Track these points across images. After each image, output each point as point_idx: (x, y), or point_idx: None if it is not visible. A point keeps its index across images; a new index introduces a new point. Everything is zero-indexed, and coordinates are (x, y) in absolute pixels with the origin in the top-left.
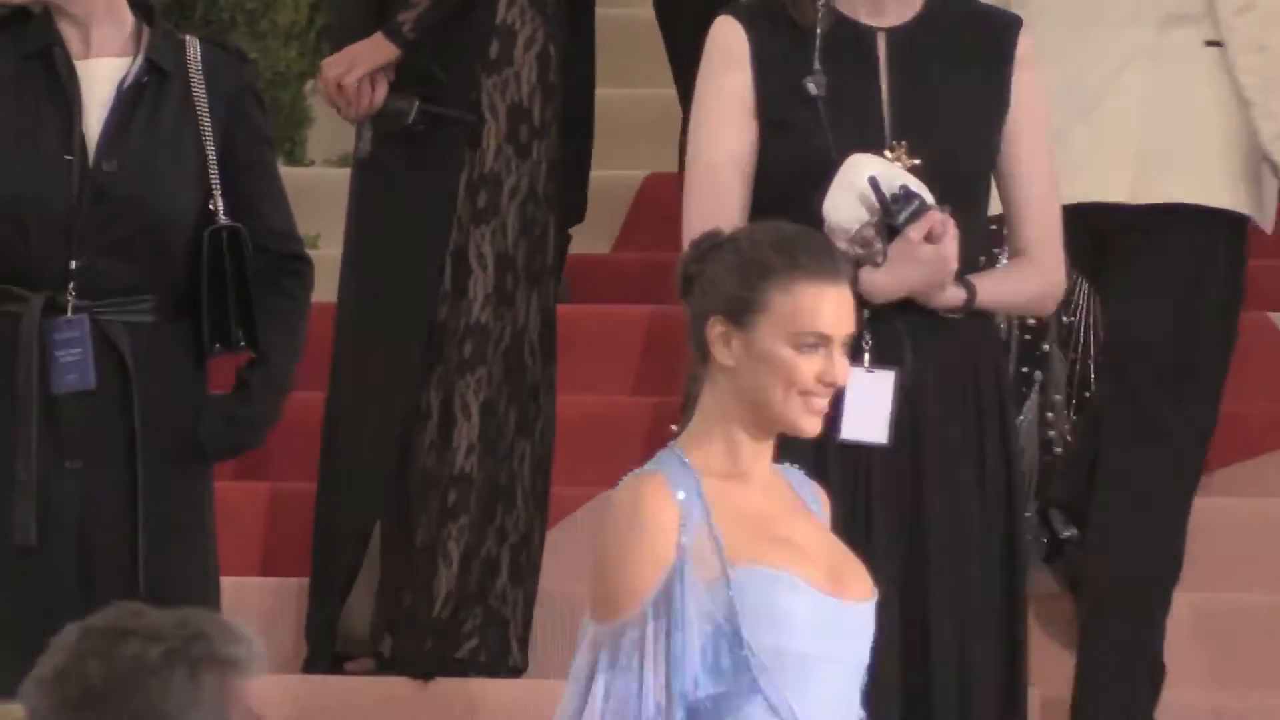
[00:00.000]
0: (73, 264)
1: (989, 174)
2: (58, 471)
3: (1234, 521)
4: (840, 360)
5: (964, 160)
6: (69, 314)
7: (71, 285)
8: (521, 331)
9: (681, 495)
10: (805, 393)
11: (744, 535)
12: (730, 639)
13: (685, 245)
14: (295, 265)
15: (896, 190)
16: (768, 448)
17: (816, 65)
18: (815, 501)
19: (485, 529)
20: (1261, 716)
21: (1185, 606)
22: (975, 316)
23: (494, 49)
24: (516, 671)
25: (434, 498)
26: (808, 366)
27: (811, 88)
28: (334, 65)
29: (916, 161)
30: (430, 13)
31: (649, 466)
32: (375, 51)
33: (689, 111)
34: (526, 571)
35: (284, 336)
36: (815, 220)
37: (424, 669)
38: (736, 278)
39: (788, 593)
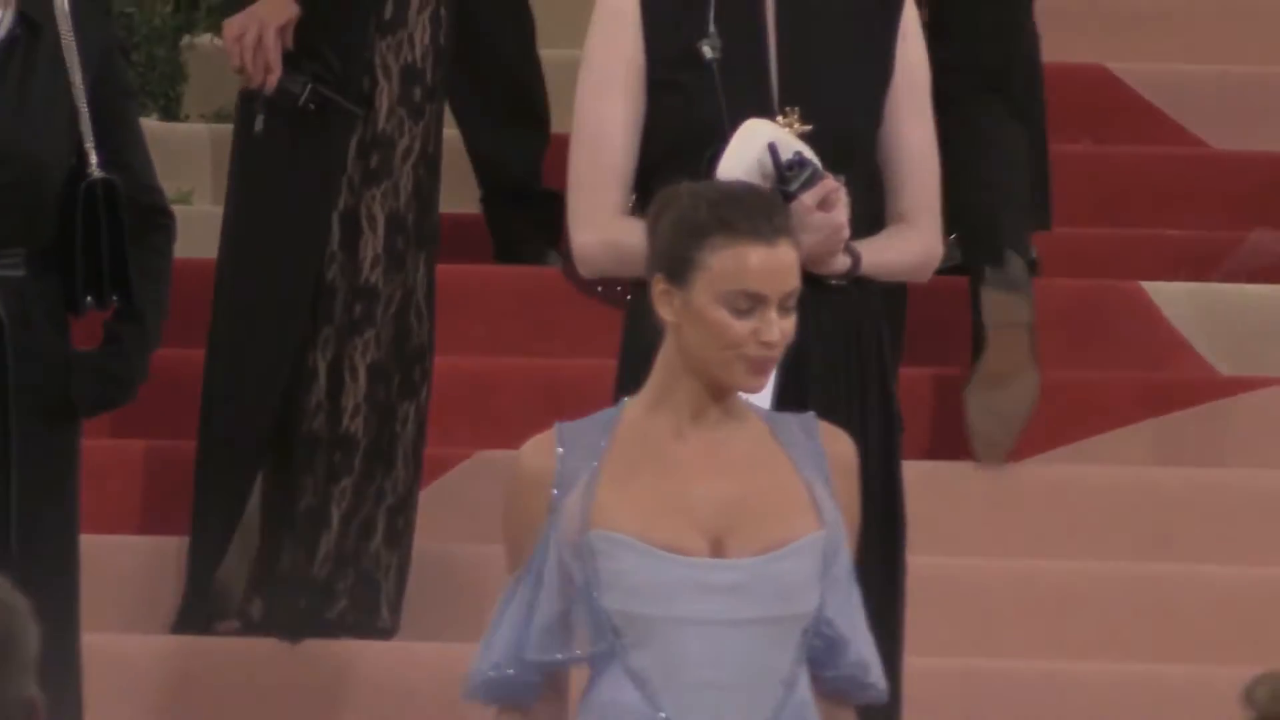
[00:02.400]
0: None
1: (875, 138)
2: None
3: (1105, 489)
4: (777, 319)
5: (853, 125)
6: None
7: None
8: (410, 293)
9: (561, 451)
10: (743, 354)
11: (611, 495)
12: (589, 601)
13: (569, 209)
14: (161, 219)
15: (791, 157)
16: (727, 400)
17: (712, 28)
18: (810, 451)
19: (365, 491)
20: (1136, 686)
21: (1052, 576)
22: (856, 282)
23: (388, 10)
24: (386, 634)
25: (320, 459)
26: (741, 326)
27: (707, 50)
28: (234, 25)
29: (809, 128)
30: None
31: (570, 421)
32: (276, 11)
33: None
34: (402, 534)
35: (154, 292)
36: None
37: (293, 630)
38: (674, 236)
39: (632, 557)
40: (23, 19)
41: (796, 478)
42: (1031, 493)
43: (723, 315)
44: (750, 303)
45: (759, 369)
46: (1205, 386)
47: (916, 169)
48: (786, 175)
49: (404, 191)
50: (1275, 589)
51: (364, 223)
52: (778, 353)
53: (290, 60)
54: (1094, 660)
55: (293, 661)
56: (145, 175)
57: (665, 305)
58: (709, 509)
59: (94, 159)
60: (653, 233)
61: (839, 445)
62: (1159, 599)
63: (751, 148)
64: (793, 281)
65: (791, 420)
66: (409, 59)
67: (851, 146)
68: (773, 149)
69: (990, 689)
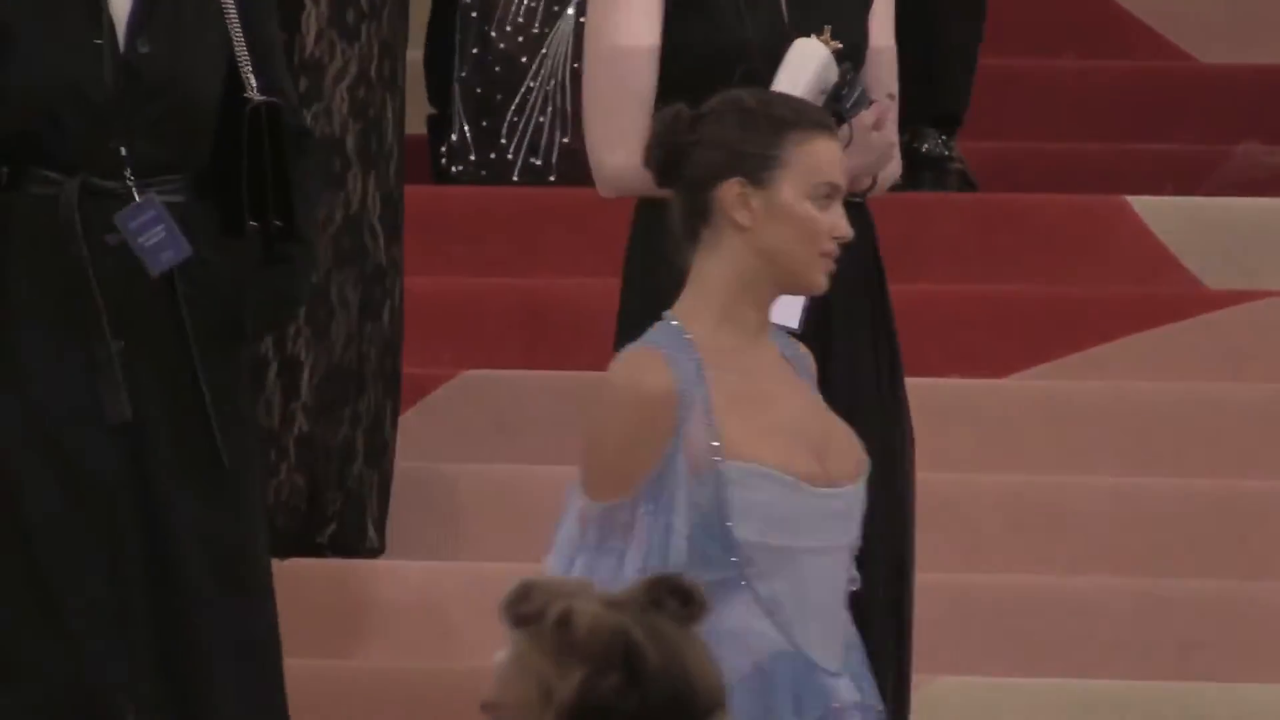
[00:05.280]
0: (122, 150)
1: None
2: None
3: (1093, 404)
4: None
5: (857, 40)
6: (136, 198)
7: (128, 170)
8: (357, 214)
9: (680, 377)
10: (825, 249)
11: (738, 423)
12: (718, 530)
13: (591, 130)
14: (308, 143)
15: (843, 78)
16: (767, 315)
17: None
18: (804, 366)
19: (338, 413)
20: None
21: (1040, 491)
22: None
23: None
24: (374, 553)
25: (271, 382)
26: (825, 220)
27: None
28: None
29: (839, 45)
30: None
31: (648, 341)
32: None
33: None
34: (381, 454)
35: (313, 213)
36: None
37: (280, 551)
38: (753, 136)
39: (774, 489)
40: None
41: (815, 392)
42: (1019, 408)
43: (810, 209)
44: (831, 194)
45: (829, 267)
46: (1193, 300)
47: (880, 84)
48: (842, 94)
49: (337, 114)
50: (1263, 500)
51: None
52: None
53: None
54: (1083, 575)
55: (280, 579)
56: (294, 98)
57: (741, 208)
58: (812, 434)
59: (253, 83)
60: (699, 144)
61: (805, 350)
62: (1148, 513)
63: (809, 65)
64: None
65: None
66: None
67: (857, 59)
68: (834, 69)
69: (980, 604)
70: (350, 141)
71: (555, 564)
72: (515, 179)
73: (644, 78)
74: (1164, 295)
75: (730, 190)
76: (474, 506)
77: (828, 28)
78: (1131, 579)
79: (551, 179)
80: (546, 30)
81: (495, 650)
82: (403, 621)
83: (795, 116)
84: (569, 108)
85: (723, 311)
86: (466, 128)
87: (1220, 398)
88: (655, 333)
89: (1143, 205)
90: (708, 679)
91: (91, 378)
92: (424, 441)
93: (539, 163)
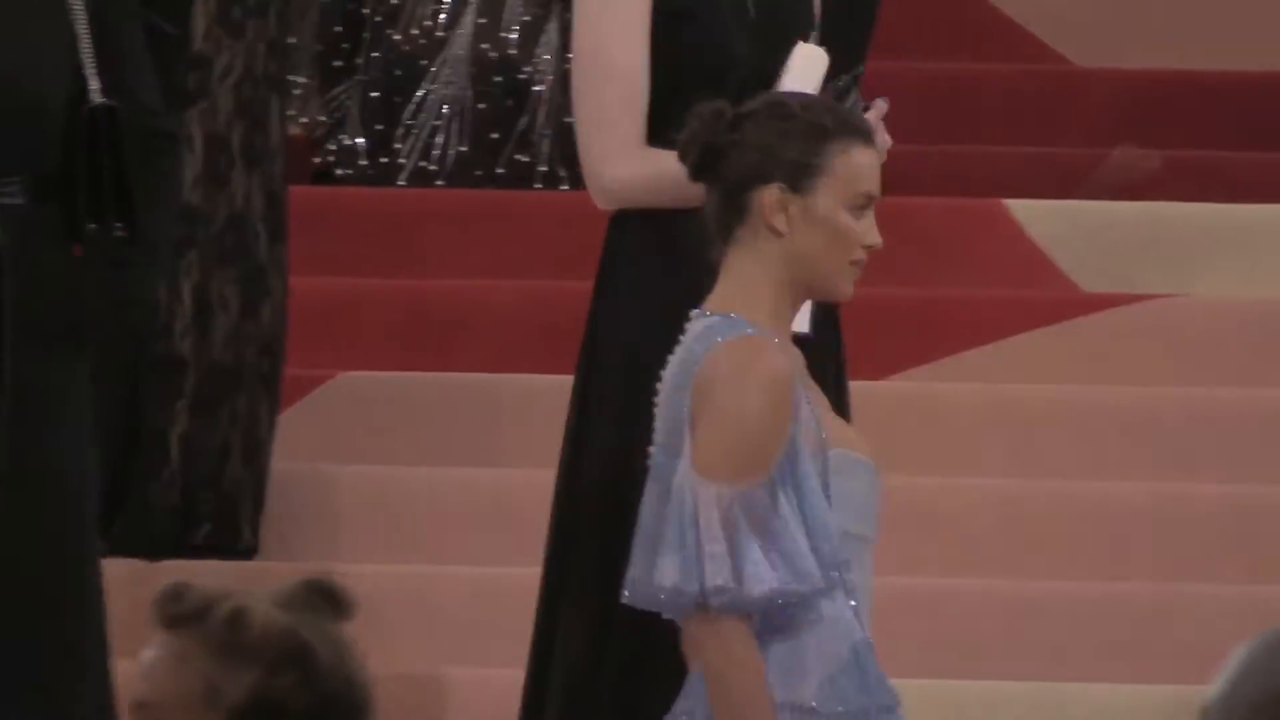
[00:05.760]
0: None
1: None
2: None
3: (968, 406)
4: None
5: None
6: None
7: None
8: (241, 213)
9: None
10: (855, 259)
11: (823, 413)
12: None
13: (589, 144)
14: (165, 143)
15: (841, 83)
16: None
17: None
18: (802, 368)
19: (215, 413)
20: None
21: (916, 493)
22: None
23: None
24: (249, 553)
25: (159, 382)
26: (858, 229)
27: None
28: None
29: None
30: None
31: (738, 330)
32: None
33: None
34: (255, 454)
35: (161, 215)
36: None
37: (154, 552)
38: (796, 142)
39: (864, 477)
40: None
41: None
42: (895, 410)
43: (846, 218)
44: (867, 204)
45: (857, 275)
46: (1068, 304)
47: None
48: (845, 98)
49: (223, 111)
50: (1134, 504)
51: (182, 144)
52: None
53: None
54: (958, 577)
55: (153, 581)
56: (148, 99)
57: (778, 214)
58: (848, 428)
59: (94, 85)
60: (738, 145)
61: (798, 351)
62: (1022, 515)
63: (814, 71)
64: None
65: None
66: None
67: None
68: (828, 73)
69: None
70: (235, 139)
71: (715, 550)
72: (403, 182)
73: (640, 90)
74: (1040, 298)
75: (769, 195)
76: (351, 508)
77: (814, 34)
78: (1006, 581)
79: (439, 183)
80: (447, 35)
81: (367, 649)
82: None
83: (837, 124)
84: (468, 114)
85: (773, 308)
86: (360, 130)
87: (1095, 401)
88: (729, 324)
89: (1019, 208)
90: (363, 678)
91: None
92: (302, 442)
93: (431, 167)
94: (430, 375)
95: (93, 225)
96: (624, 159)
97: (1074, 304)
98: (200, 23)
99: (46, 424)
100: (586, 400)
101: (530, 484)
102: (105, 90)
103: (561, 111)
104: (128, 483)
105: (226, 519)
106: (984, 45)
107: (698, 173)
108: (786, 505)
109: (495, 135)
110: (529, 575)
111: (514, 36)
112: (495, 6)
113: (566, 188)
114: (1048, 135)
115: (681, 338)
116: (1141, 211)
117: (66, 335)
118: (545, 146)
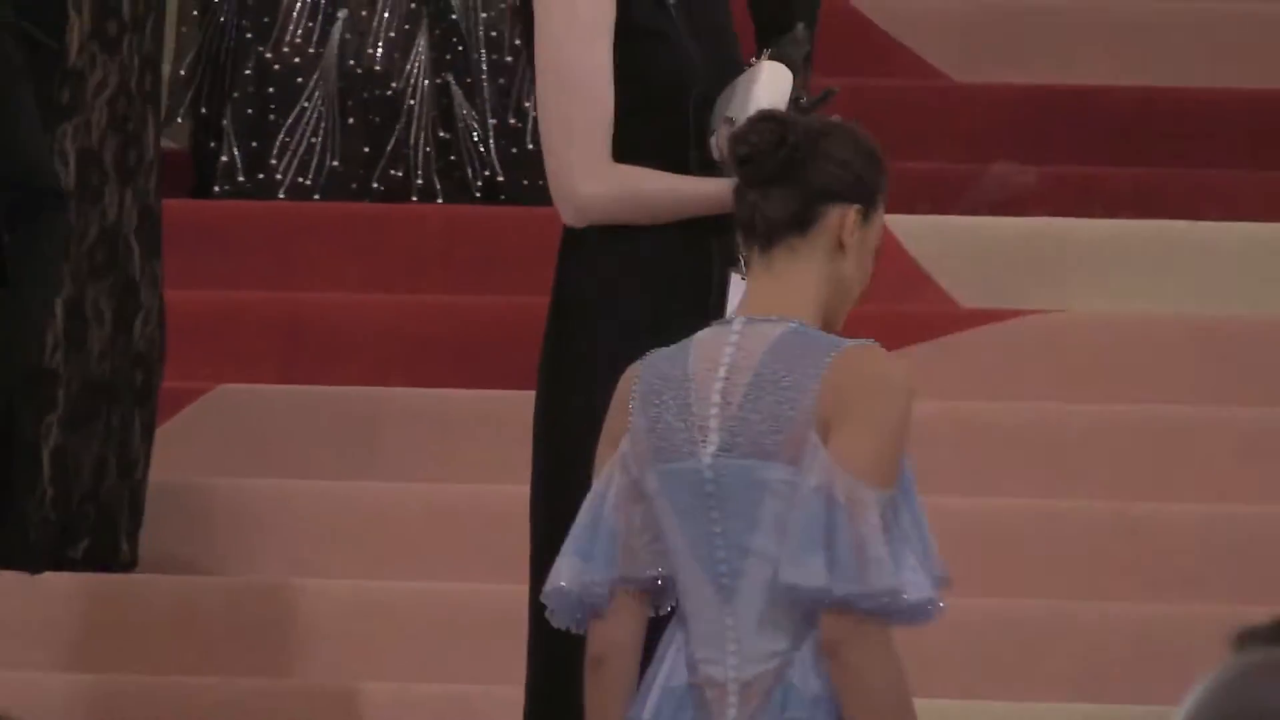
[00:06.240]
0: None
1: None
2: None
3: None
4: None
5: (735, 54)
6: None
7: None
8: (113, 228)
9: None
10: (859, 295)
11: None
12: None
13: (559, 161)
14: (50, 201)
15: (819, 96)
16: None
17: None
18: None
19: (91, 426)
20: None
21: None
22: None
23: None
24: (128, 567)
25: (31, 395)
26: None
27: None
28: None
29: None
30: None
31: (852, 341)
32: None
33: None
34: (131, 468)
35: (39, 271)
36: (680, 127)
37: (34, 565)
38: (870, 169)
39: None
40: None
41: None
42: None
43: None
44: (879, 244)
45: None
46: (946, 319)
47: None
48: (801, 104)
49: (97, 127)
50: (1012, 519)
51: (55, 159)
52: None
53: None
54: None
55: (32, 593)
56: (30, 157)
57: (851, 234)
58: None
59: None
60: (817, 156)
61: None
62: None
63: (783, 84)
64: None
65: None
66: None
67: None
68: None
69: None
70: (108, 154)
71: (879, 553)
72: (281, 196)
73: (608, 105)
74: (918, 313)
75: (848, 214)
76: (229, 521)
77: (767, 50)
78: None
79: (316, 197)
80: (321, 50)
81: (250, 664)
82: (155, 636)
83: (882, 157)
84: (339, 130)
85: (828, 320)
86: (236, 148)
87: (973, 417)
88: (833, 340)
89: (897, 223)
90: None
91: None
92: (179, 455)
93: (307, 183)
94: (308, 388)
95: None
96: (595, 175)
97: (952, 319)
98: (75, 38)
99: None
100: (565, 414)
101: (408, 497)
102: None
103: (434, 125)
104: (5, 496)
105: (105, 533)
106: (861, 61)
107: (762, 178)
108: (904, 510)
109: (367, 150)
110: (408, 588)
111: (380, 52)
112: (363, 23)
113: (441, 200)
114: (925, 150)
115: (696, 341)
116: (1020, 227)
117: None
118: (419, 160)
